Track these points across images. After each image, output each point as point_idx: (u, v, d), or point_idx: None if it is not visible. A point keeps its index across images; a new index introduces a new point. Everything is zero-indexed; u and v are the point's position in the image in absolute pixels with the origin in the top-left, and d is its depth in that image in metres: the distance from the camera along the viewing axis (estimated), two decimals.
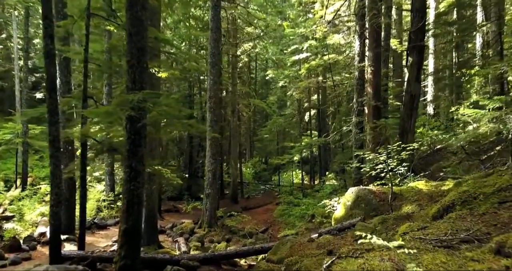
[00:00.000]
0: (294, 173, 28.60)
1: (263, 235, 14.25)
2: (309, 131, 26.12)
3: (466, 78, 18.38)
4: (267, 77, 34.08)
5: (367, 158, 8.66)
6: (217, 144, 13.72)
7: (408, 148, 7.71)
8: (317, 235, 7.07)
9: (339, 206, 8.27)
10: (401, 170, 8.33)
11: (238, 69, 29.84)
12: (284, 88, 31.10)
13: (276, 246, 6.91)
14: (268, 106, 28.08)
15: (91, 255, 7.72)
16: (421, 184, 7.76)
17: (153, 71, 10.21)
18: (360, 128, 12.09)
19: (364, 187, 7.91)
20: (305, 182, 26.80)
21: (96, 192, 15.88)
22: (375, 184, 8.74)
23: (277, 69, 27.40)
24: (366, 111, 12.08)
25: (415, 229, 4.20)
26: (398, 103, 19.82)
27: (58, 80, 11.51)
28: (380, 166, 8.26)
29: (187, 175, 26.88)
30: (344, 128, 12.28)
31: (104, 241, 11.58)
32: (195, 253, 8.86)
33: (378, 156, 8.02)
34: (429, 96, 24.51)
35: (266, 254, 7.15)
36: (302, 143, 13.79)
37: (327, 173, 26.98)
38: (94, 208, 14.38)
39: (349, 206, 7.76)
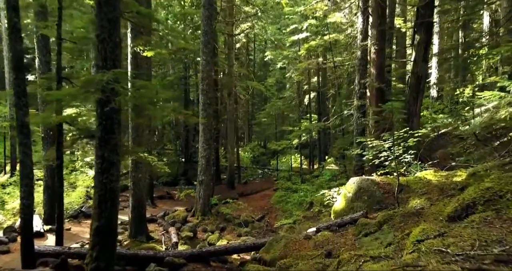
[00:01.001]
0: (292, 157, 27.94)
1: (259, 223, 13.66)
2: (308, 115, 25.34)
3: (474, 59, 17.45)
4: (265, 59, 33.02)
5: (370, 145, 7.94)
6: (211, 129, 12.97)
7: (416, 135, 6.99)
8: (314, 230, 6.41)
9: (339, 197, 7.59)
10: (407, 158, 7.63)
11: (235, 50, 28.84)
12: (283, 70, 30.13)
13: (269, 243, 6.26)
14: (266, 89, 27.19)
15: (68, 251, 7.09)
16: (429, 174, 7.06)
17: (138, 50, 9.39)
18: (362, 112, 11.32)
19: (367, 177, 7.21)
20: (304, 166, 26.23)
21: (87, 178, 15.22)
22: (378, 173, 8.04)
23: (276, 50, 26.38)
24: (369, 93, 11.29)
25: (431, 235, 3.50)
26: (401, 85, 18.99)
27: (37, 60, 10.71)
28: (384, 153, 7.56)
29: (183, 160, 26.26)
30: (345, 112, 11.50)
31: None
32: (183, 248, 8.22)
33: (383, 143, 7.31)
34: (433, 78, 23.50)
35: (258, 253, 6.49)
36: (301, 128, 13.02)
37: (326, 157, 26.33)
38: (83, 195, 13.74)
39: (350, 197, 7.08)
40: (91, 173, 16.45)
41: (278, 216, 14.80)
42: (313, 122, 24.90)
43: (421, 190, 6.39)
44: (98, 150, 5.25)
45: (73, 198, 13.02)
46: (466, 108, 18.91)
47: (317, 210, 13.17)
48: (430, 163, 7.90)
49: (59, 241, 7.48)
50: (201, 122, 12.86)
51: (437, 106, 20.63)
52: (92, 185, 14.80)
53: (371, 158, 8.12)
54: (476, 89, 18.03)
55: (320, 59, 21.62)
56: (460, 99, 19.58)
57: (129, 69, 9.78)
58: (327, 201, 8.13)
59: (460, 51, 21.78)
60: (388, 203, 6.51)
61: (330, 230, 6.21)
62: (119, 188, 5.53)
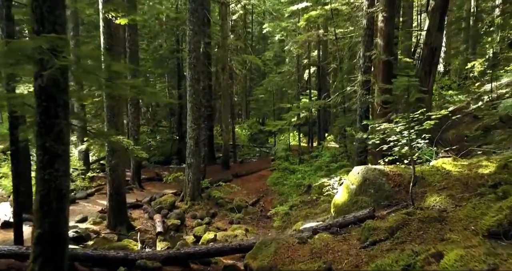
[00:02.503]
0: (291, 134, 26.82)
1: (253, 208, 12.74)
2: (308, 91, 24.08)
3: (489, 29, 16.06)
4: (263, 31, 31.37)
5: (377, 128, 6.84)
6: (200, 107, 11.82)
7: (433, 116, 5.86)
8: (311, 228, 5.41)
9: (341, 188, 6.55)
10: (420, 144, 6.54)
11: (231, 22, 27.23)
12: (282, 43, 28.57)
13: (257, 247, 5.26)
14: (263, 63, 25.78)
15: (26, 251, 6.10)
16: (447, 163, 5.98)
17: (111, 17, 8.14)
18: (367, 89, 10.13)
19: (374, 166, 6.14)
20: (303, 144, 25.20)
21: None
22: (386, 160, 6.97)
23: (274, 21, 24.79)
24: (375, 68, 10.09)
25: (475, 267, 2.45)
26: (407, 59, 17.66)
27: None
28: (394, 137, 6.47)
29: (177, 137, 25.19)
30: (348, 88, 10.30)
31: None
32: (162, 245, 7.24)
33: (393, 126, 6.21)
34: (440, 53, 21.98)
35: (245, 260, 5.50)
36: (299, 106, 11.85)
37: (326, 135, 25.24)
38: None
39: (354, 190, 6.04)
40: (75, 152, 15.43)
41: (274, 200, 13.87)
42: (313, 98, 23.69)
43: (439, 184, 5.33)
44: (39, 139, 4.15)
45: None
46: (477, 84, 17.70)
47: (315, 197, 12.23)
48: (447, 148, 6.80)
49: (18, 239, 6.50)
50: (189, 100, 11.71)
51: (445, 81, 19.38)
52: (73, 167, 13.85)
53: (377, 142, 7.03)
54: (486, 64, 16.81)
55: (321, 31, 20.13)
56: (471, 75, 18.37)
57: (101, 40, 8.54)
58: (327, 193, 7.09)
59: (471, 22, 20.33)
60: (399, 199, 5.47)
61: (329, 231, 5.20)
62: (69, 186, 4.46)
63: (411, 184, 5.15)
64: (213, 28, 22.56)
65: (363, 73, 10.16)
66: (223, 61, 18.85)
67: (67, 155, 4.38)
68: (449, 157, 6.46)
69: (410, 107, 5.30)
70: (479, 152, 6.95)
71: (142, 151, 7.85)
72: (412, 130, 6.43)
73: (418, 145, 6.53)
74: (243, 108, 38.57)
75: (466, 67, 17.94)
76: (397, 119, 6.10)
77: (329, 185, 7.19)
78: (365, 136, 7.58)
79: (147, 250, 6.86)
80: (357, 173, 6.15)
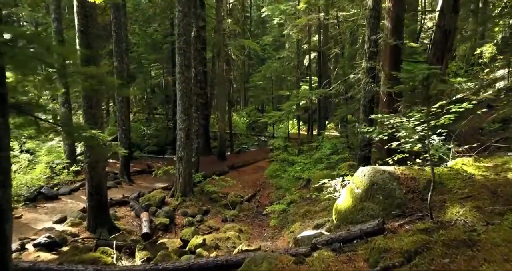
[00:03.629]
0: (290, 122, 25.91)
1: (249, 204, 11.98)
2: (308, 77, 23.09)
3: (503, 10, 15.01)
4: (262, 15, 30.20)
5: (386, 122, 6.00)
6: (191, 96, 10.92)
7: (452, 110, 5.00)
8: (309, 247, 4.60)
9: (344, 191, 5.72)
10: (435, 140, 5.70)
11: (229, 5, 26.07)
12: (281, 28, 27.41)
13: (246, 265, 4.46)
14: (262, 49, 24.70)
15: None
16: (468, 164, 5.14)
17: None
18: (372, 76, 9.21)
19: (382, 168, 5.29)
20: (303, 132, 24.36)
21: (50, 150, 13.36)
22: (394, 158, 6.13)
23: (273, 4, 23.64)
24: (382, 53, 9.16)
25: None
26: (413, 44, 16.64)
27: None
28: (403, 132, 5.63)
29: (172, 126, 24.31)
30: (351, 76, 9.39)
31: (46, 219, 9.24)
32: (141, 255, 6.45)
33: (405, 121, 5.37)
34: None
35: None
36: (299, 95, 10.93)
37: (326, 122, 24.35)
38: (45, 172, 11.91)
39: (359, 195, 5.21)
40: (55, 142, 14.59)
41: (271, 194, 13.11)
42: (313, 85, 22.73)
43: (461, 192, 4.51)
44: None
45: (32, 176, 11.25)
46: (486, 71, 16.73)
47: (315, 194, 11.47)
48: (466, 146, 5.93)
49: None
50: (179, 88, 10.81)
51: (453, 67, 18.37)
52: (56, 160, 13.04)
53: (385, 138, 6.19)
54: (495, 48, 15.80)
55: (322, 14, 19.05)
56: (480, 60, 17.36)
57: (75, 21, 7.60)
58: (328, 196, 6.26)
59: (480, 4, 19.23)
60: (413, 209, 4.65)
61: (331, 248, 4.39)
62: (9, 199, 3.62)
63: (429, 193, 4.30)
64: (209, 11, 21.45)
65: (367, 59, 9.23)
66: (219, 46, 17.83)
67: (7, 161, 3.54)
68: (468, 155, 5.61)
69: (429, 100, 4.42)
70: (494, 147, 6.11)
71: (121, 148, 7.03)
72: (430, 125, 5.61)
73: (432, 141, 5.70)
74: (241, 95, 37.57)
75: (475, 53, 16.94)
76: (412, 114, 5.25)
77: (330, 186, 6.36)
78: (370, 130, 6.72)
79: (120, 264, 6.08)
80: (363, 175, 5.31)
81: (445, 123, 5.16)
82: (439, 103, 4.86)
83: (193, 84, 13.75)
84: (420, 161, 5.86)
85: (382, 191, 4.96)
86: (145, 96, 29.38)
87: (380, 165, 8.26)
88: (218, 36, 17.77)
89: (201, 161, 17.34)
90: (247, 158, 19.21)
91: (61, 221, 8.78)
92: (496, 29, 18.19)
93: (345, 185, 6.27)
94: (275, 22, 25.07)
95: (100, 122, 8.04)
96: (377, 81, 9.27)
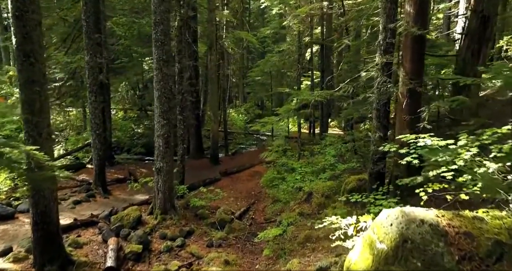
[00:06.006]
0: (291, 120, 24.09)
1: (241, 222, 10.31)
2: (310, 72, 21.33)
3: None
4: (262, 6, 28.36)
5: (412, 142, 4.33)
6: (170, 96, 9.20)
7: None
8: None
9: (361, 242, 4.03)
10: (489, 169, 4.00)
11: None
12: (281, 19, 25.58)
13: None
14: (261, 41, 22.91)
15: None
16: None
17: None
18: (388, 75, 7.47)
19: (418, 214, 3.56)
20: (304, 130, 22.68)
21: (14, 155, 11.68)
22: (429, 190, 4.43)
23: None
24: (401, 45, 7.43)
25: None
26: (428, 36, 14.83)
27: None
28: (446, 158, 3.97)
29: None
30: (363, 74, 7.65)
31: None
32: None
33: (450, 142, 3.71)
34: (458, 28, 18.92)
35: None
36: (299, 97, 9.19)
37: (329, 120, 22.64)
38: (5, 184, 10.27)
39: (384, 253, 3.53)
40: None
41: (267, 208, 11.45)
42: (315, 81, 20.98)
43: None
44: None
45: None
46: (511, 65, 14.93)
47: (317, 208, 9.79)
48: None
49: None
50: (156, 88, 9.11)
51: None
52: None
53: (416, 162, 4.55)
54: None
55: (325, 3, 17.30)
56: (503, 54, 15.58)
57: (9, 4, 5.91)
58: (336, 243, 4.55)
59: None
60: None
61: None
62: None
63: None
64: (202, 0, 19.65)
65: (383, 53, 7.46)
66: (210, 38, 16.08)
67: None
68: None
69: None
70: None
71: (66, 172, 5.38)
72: (473, 145, 3.98)
73: (483, 168, 4.00)
74: (240, 90, 35.82)
75: (497, 45, 15.17)
76: (462, 137, 3.57)
77: (339, 226, 4.65)
78: (389, 147, 5.03)
79: None
80: (389, 224, 3.62)
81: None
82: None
83: (177, 81, 12.07)
84: (465, 196, 4.18)
85: (421, 254, 3.28)
86: (137, 92, 27.69)
87: (404, 195, 6.57)
88: (210, 27, 16.03)
89: (191, 166, 15.69)
90: (243, 160, 17.53)
91: (4, 253, 7.11)
92: None
93: (361, 229, 4.57)
94: (274, 12, 23.24)
95: (47, 133, 6.35)
96: (396, 81, 7.54)
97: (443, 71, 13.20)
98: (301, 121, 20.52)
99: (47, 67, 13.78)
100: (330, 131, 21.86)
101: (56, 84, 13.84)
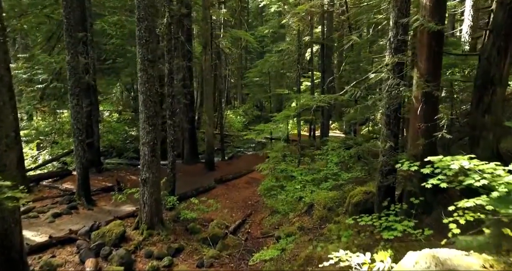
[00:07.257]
0: (290, 122, 23.20)
1: (235, 237, 9.43)
2: (310, 73, 20.47)
3: None
4: (261, 5, 27.54)
5: (452, 164, 3.45)
6: (156, 100, 8.32)
7: None
8: None
9: None
10: None
11: None
12: (280, 18, 24.73)
13: None
14: (257, 41, 22.04)
15: None
16: None
17: None
18: (400, 76, 6.59)
19: (459, 267, 2.69)
20: (304, 133, 21.84)
21: None
22: (460, 220, 3.55)
23: None
24: (415, 43, 6.55)
25: None
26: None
27: None
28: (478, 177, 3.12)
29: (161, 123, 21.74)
30: (372, 76, 6.76)
31: None
32: None
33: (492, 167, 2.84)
34: (465, 27, 18.03)
35: None
36: (298, 103, 8.34)
37: (330, 122, 21.78)
38: None
39: None
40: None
41: (265, 220, 10.58)
42: (315, 82, 20.13)
43: None
44: None
45: None
46: None
47: (318, 222, 8.93)
48: None
49: None
50: (141, 91, 8.24)
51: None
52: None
53: (445, 185, 3.68)
54: None
55: (326, 0, 16.47)
56: None
57: None
58: None
59: None
60: None
61: None
62: None
63: None
64: None
65: (394, 52, 6.59)
66: (205, 37, 15.21)
67: None
68: None
69: None
70: None
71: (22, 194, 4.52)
72: None
73: None
74: (238, 91, 34.99)
75: None
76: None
77: (350, 267, 3.77)
78: (413, 168, 4.14)
79: None
80: None
81: None
82: None
83: (167, 83, 11.21)
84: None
85: None
86: (131, 93, 26.82)
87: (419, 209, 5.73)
88: (204, 25, 15.14)
89: (185, 172, 14.83)
90: (240, 165, 16.64)
91: None
92: None
93: None
94: (272, 10, 22.36)
95: (6, 144, 5.47)
96: (410, 84, 6.67)
97: (449, 71, 12.37)
98: (301, 123, 19.69)
99: (29, 68, 12.98)
100: (331, 133, 21.05)
101: (39, 86, 12.97)
